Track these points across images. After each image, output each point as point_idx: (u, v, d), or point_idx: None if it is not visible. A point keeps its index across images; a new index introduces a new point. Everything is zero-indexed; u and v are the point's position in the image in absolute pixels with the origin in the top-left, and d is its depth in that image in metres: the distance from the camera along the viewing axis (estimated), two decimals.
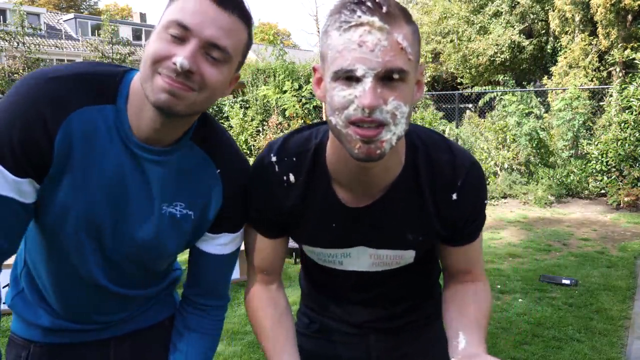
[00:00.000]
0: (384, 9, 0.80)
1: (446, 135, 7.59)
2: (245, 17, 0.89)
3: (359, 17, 0.80)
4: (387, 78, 0.81)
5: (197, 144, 1.01)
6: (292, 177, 1.02)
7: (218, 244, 1.09)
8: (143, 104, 0.90)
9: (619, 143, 7.69)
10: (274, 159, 1.02)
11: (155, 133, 0.93)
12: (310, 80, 12.13)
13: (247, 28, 0.90)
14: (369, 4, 0.80)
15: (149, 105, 0.89)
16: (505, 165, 8.65)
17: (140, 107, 0.91)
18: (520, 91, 9.48)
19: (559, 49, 15.09)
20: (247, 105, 12.47)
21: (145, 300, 1.15)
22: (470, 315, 1.04)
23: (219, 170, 1.03)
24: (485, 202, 1.06)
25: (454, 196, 0.99)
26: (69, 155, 0.89)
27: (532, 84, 12.81)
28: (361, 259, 1.08)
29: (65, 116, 0.87)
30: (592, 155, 8.01)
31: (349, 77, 0.82)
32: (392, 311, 1.21)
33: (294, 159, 1.02)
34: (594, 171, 7.98)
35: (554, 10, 14.63)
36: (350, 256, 1.08)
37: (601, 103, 9.65)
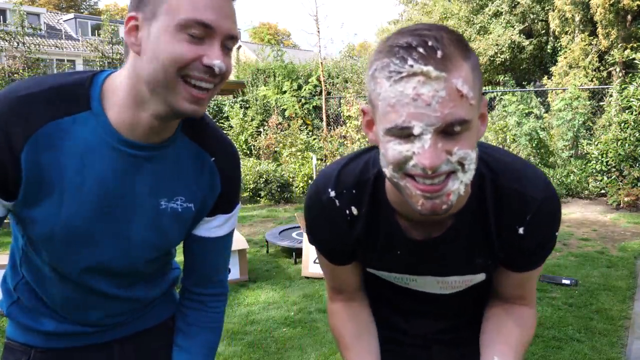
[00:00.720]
0: (439, 54, 0.71)
1: None
2: None
3: (411, 66, 0.70)
4: (448, 132, 0.73)
5: (188, 135, 1.01)
6: (354, 210, 0.96)
7: (212, 227, 1.08)
8: (139, 105, 0.89)
9: (619, 143, 7.69)
10: (332, 194, 0.96)
11: (153, 133, 0.92)
12: (310, 80, 12.14)
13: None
14: (421, 50, 0.71)
15: (150, 107, 0.87)
16: None
17: (135, 108, 0.89)
18: (520, 91, 9.49)
19: (559, 49, 15.09)
20: (247, 105, 12.47)
21: (146, 303, 1.14)
22: (511, 341, 0.98)
23: (213, 159, 1.03)
24: (556, 234, 0.97)
25: (521, 230, 0.91)
26: (41, 169, 0.88)
27: (532, 84, 12.81)
28: (428, 284, 1.04)
29: (32, 132, 0.86)
30: (592, 155, 8.01)
31: (406, 134, 0.74)
32: (455, 322, 1.14)
33: (354, 191, 0.95)
34: (594, 171, 7.98)
35: (554, 10, 14.63)
36: (417, 282, 1.04)
37: (601, 103, 9.65)
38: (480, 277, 1.02)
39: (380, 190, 0.94)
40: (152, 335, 1.17)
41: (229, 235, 1.13)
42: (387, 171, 0.79)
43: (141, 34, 0.85)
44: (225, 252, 1.14)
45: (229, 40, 0.86)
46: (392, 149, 0.75)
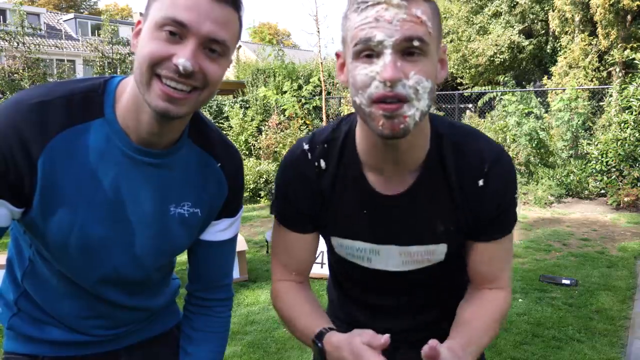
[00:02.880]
0: None
1: None
2: (235, 5, 0.86)
3: None
4: (407, 52, 0.81)
5: (195, 141, 1.01)
6: (322, 164, 1.02)
7: (217, 231, 1.09)
8: (139, 107, 0.89)
9: (619, 143, 7.69)
10: (306, 147, 1.04)
11: (154, 136, 0.92)
12: (310, 80, 12.14)
13: (238, 15, 0.88)
14: None
15: (147, 109, 0.87)
16: None
17: (136, 111, 0.89)
18: (520, 91, 9.48)
19: (559, 49, 15.09)
20: (247, 105, 12.46)
21: (152, 312, 1.14)
22: (475, 319, 1.00)
23: (219, 164, 1.03)
24: (515, 196, 1.02)
25: (481, 182, 0.97)
26: (56, 177, 0.88)
27: (532, 84, 12.81)
28: (390, 258, 1.05)
29: (48, 140, 0.86)
30: (592, 155, 8.01)
31: (369, 55, 0.83)
32: (420, 321, 1.16)
33: (325, 145, 1.03)
34: (594, 171, 7.98)
35: (553, 11, 14.64)
36: (379, 254, 1.05)
37: (601, 103, 9.65)
38: (441, 249, 1.04)
39: (350, 143, 1.01)
40: (159, 344, 1.17)
41: (234, 239, 1.14)
42: (357, 99, 0.86)
43: (138, 39, 0.87)
44: (230, 256, 1.15)
45: (212, 43, 0.84)
46: (359, 74, 0.84)
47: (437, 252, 1.04)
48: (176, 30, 0.81)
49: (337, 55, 0.95)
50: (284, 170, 1.07)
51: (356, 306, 1.20)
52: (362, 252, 1.07)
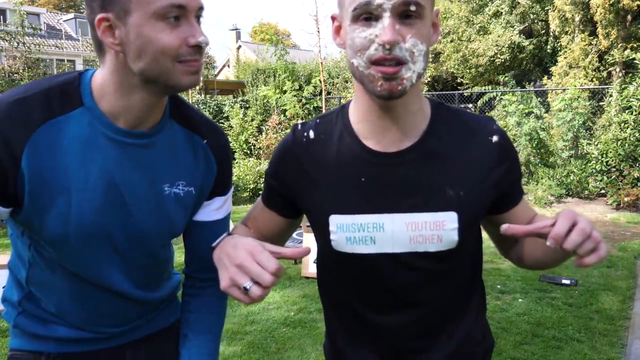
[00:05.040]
0: None
1: None
2: None
3: None
4: (404, 15, 0.84)
5: (177, 122, 1.04)
6: (311, 133, 1.03)
7: (211, 210, 1.11)
8: (129, 92, 0.91)
9: (619, 143, 7.69)
10: (299, 125, 1.07)
11: (145, 115, 0.95)
12: (311, 80, 12.14)
13: None
14: None
15: (143, 92, 0.91)
16: None
17: (125, 96, 0.92)
18: (520, 91, 9.48)
19: (559, 49, 15.09)
20: (247, 105, 12.47)
21: (155, 305, 1.15)
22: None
23: (205, 141, 1.06)
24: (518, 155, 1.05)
25: (495, 138, 0.98)
26: (43, 170, 0.88)
27: (532, 84, 12.81)
28: (397, 232, 0.95)
29: (29, 135, 0.87)
30: (592, 155, 8.01)
31: (367, 18, 0.85)
32: (427, 330, 1.06)
33: (317, 120, 1.06)
34: (594, 171, 7.98)
35: (554, 11, 14.62)
36: (384, 229, 0.96)
37: (601, 103, 9.64)
38: (452, 220, 0.95)
39: (344, 117, 1.02)
40: (162, 338, 1.18)
41: (227, 218, 1.16)
42: (355, 61, 0.88)
43: (118, 33, 0.87)
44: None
45: (199, 11, 0.90)
46: (357, 37, 0.86)
47: (448, 224, 0.95)
48: (178, 13, 0.86)
49: (333, 18, 0.97)
50: (276, 150, 1.09)
51: (357, 322, 1.08)
52: (365, 231, 0.96)
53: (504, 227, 0.83)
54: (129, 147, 0.95)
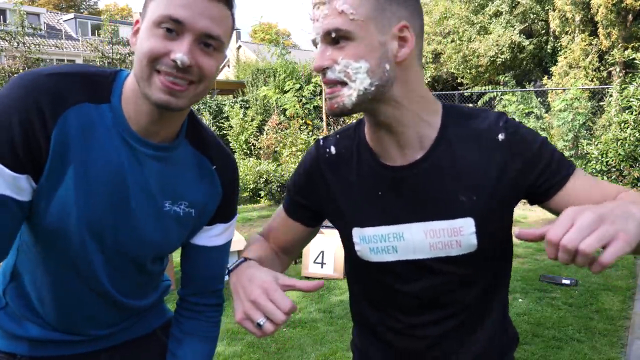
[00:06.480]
0: None
1: None
2: (228, 3, 0.90)
3: None
4: (332, 41, 0.90)
5: (190, 142, 1.03)
6: (333, 149, 1.07)
7: (211, 236, 1.10)
8: (138, 100, 0.92)
9: (619, 143, 7.68)
10: (321, 140, 1.11)
11: (153, 126, 0.94)
12: (311, 80, 12.15)
13: (231, 13, 0.92)
14: None
15: (146, 101, 0.90)
16: None
17: (137, 103, 0.92)
18: (521, 91, 9.48)
19: (559, 49, 15.09)
20: (247, 105, 12.47)
21: (138, 312, 1.13)
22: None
23: (214, 167, 1.05)
24: (544, 141, 0.97)
25: (501, 136, 0.96)
26: (66, 151, 0.89)
27: (532, 84, 12.81)
28: (416, 240, 0.99)
29: (63, 110, 0.87)
30: (592, 155, 8.01)
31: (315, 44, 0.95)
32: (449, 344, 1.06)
33: (337, 135, 1.10)
34: (594, 171, 7.97)
35: (554, 10, 14.63)
36: (404, 238, 0.99)
37: (601, 103, 9.65)
38: (469, 225, 0.96)
39: (360, 133, 1.06)
40: (141, 345, 1.16)
41: (227, 245, 1.15)
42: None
43: (138, 35, 0.90)
44: (223, 262, 1.15)
45: (207, 38, 0.88)
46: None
47: (465, 230, 0.96)
48: (173, 27, 0.85)
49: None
50: (300, 165, 1.13)
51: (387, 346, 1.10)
52: (386, 241, 1.01)
53: (516, 233, 0.76)
54: (140, 154, 0.95)
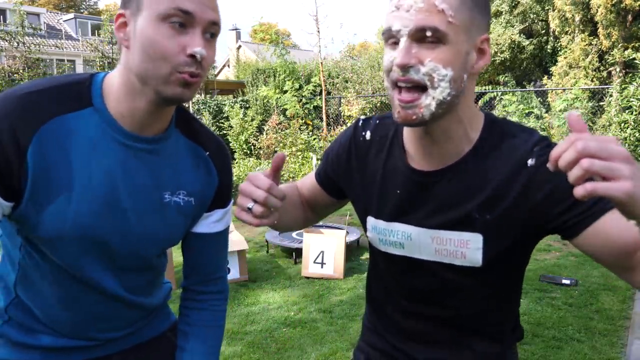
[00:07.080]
0: None
1: None
2: None
3: None
4: (422, 39, 0.83)
5: (181, 132, 1.04)
6: (368, 135, 1.07)
7: (211, 222, 1.11)
8: (134, 95, 0.91)
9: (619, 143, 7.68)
10: (361, 120, 1.10)
11: (149, 120, 0.94)
12: (311, 80, 12.15)
13: None
14: None
15: (145, 96, 0.90)
16: None
17: (131, 99, 0.92)
18: (521, 91, 9.48)
19: (559, 49, 15.10)
20: (247, 105, 12.47)
21: (147, 312, 1.14)
22: None
23: (207, 153, 1.07)
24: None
25: (530, 161, 0.89)
26: (49, 166, 0.88)
27: (532, 83, 12.80)
28: (423, 243, 0.99)
29: (37, 128, 0.87)
30: None
31: (393, 42, 0.87)
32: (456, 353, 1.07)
33: (377, 121, 1.08)
34: None
35: (554, 10, 14.64)
36: (412, 238, 1.01)
37: (601, 103, 9.65)
38: (477, 241, 0.95)
39: (398, 132, 1.04)
40: (152, 347, 1.17)
41: (226, 231, 1.16)
42: (385, 83, 0.91)
43: (129, 29, 0.89)
44: (223, 248, 1.16)
45: (212, 26, 0.89)
46: (385, 58, 0.89)
47: (472, 245, 0.95)
48: (183, 20, 0.85)
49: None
50: (338, 138, 1.14)
51: (392, 326, 1.13)
52: (395, 237, 1.03)
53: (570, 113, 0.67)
54: (134, 151, 0.95)
